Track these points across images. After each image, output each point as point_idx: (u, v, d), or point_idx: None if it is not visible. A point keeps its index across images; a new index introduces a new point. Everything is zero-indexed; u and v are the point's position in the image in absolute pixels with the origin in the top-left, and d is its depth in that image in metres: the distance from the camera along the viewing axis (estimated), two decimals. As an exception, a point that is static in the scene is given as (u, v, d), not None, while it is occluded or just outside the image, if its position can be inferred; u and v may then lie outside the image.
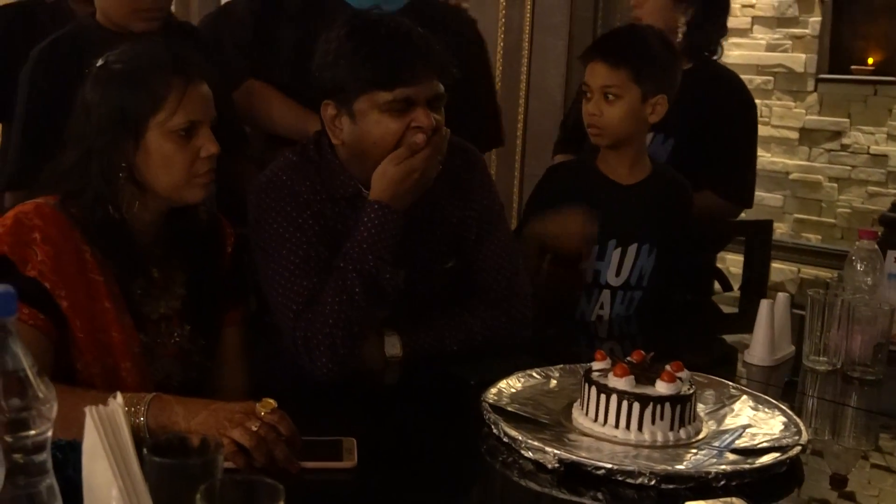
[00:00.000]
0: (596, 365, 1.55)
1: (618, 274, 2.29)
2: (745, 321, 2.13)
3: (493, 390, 1.60)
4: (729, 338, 2.34)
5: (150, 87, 1.52)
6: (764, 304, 1.96)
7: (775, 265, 3.27)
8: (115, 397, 1.12)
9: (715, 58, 2.71)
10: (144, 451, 1.03)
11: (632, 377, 1.48)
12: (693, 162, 2.57)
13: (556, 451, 1.37)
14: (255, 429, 1.33)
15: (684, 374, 1.51)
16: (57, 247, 1.49)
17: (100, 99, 1.53)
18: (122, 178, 1.54)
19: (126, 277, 1.56)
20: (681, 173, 2.41)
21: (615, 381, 1.48)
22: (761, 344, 1.95)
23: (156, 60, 1.55)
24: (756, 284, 2.80)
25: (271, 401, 1.38)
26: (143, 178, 1.56)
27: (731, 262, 4.06)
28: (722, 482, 1.34)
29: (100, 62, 1.57)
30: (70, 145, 1.56)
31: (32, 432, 0.89)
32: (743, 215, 4.56)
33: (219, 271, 1.71)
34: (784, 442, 1.46)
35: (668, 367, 1.50)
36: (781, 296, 2.04)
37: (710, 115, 2.63)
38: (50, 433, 0.91)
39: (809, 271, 4.63)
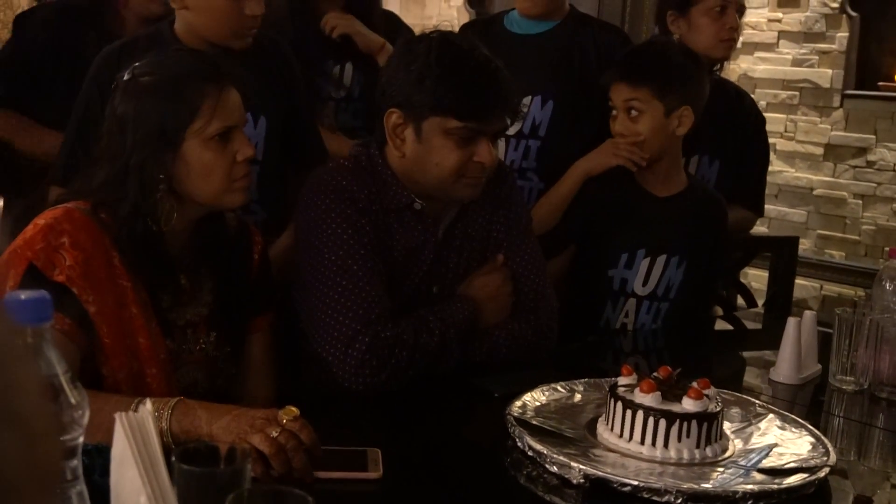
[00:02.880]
0: (622, 380, 1.54)
1: (645, 283, 2.30)
2: (769, 338, 2.12)
3: (518, 403, 1.60)
4: (753, 354, 2.32)
5: (184, 96, 1.52)
6: (791, 322, 1.95)
7: (798, 281, 3.24)
8: (143, 403, 1.12)
9: (715, 69, 2.73)
10: (173, 458, 1.03)
11: (658, 393, 1.47)
12: (727, 179, 2.66)
13: (581, 467, 1.36)
14: (275, 435, 1.33)
15: (711, 391, 1.50)
16: (86, 252, 1.49)
17: (134, 113, 1.53)
18: (161, 191, 1.54)
19: (155, 285, 1.57)
20: (719, 191, 2.47)
21: (641, 397, 1.47)
22: (788, 362, 1.93)
23: (187, 69, 1.55)
24: (780, 301, 2.79)
25: (293, 408, 1.38)
26: (183, 189, 1.56)
27: (753, 278, 4.04)
28: (749, 502, 1.33)
29: (126, 75, 1.56)
30: (103, 161, 1.56)
31: (64, 438, 0.89)
32: (765, 230, 4.54)
33: (246, 278, 1.71)
34: (812, 463, 1.45)
35: (694, 384, 1.49)
36: (808, 314, 2.02)
37: (736, 133, 2.68)
38: (81, 439, 0.91)
39: (832, 288, 4.60)
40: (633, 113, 2.24)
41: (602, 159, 2.32)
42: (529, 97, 2.47)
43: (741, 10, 2.64)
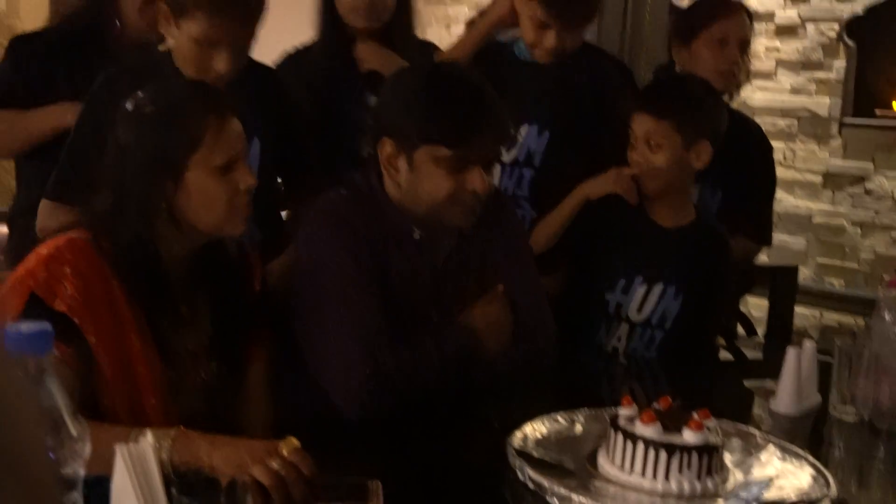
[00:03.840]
0: (622, 411, 1.53)
1: (640, 310, 2.30)
2: (769, 367, 2.11)
3: (519, 434, 1.59)
4: (753, 384, 2.32)
5: (186, 126, 1.53)
6: (791, 353, 1.95)
7: (797, 309, 3.24)
8: (144, 434, 1.12)
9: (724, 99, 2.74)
10: (173, 490, 1.03)
11: (659, 425, 1.47)
12: (730, 209, 2.66)
13: (582, 499, 1.36)
14: (275, 467, 1.32)
15: (711, 422, 1.50)
16: (87, 281, 1.49)
17: (136, 142, 1.54)
18: (162, 219, 1.55)
19: (155, 313, 1.57)
20: (721, 221, 2.48)
21: (642, 429, 1.47)
22: (788, 393, 1.93)
23: (188, 100, 1.57)
24: (780, 330, 2.78)
25: (294, 440, 1.37)
26: (183, 217, 1.56)
27: (753, 305, 4.03)
28: (750, 535, 1.32)
29: (129, 105, 1.57)
30: (104, 189, 1.57)
31: (65, 471, 0.89)
32: (765, 259, 4.54)
33: (246, 306, 1.71)
34: (813, 496, 1.44)
35: (695, 415, 1.49)
36: (808, 344, 2.02)
37: (741, 162, 2.68)
38: (82, 472, 0.91)
39: (832, 316, 4.59)
40: (653, 145, 2.25)
41: (603, 185, 2.35)
42: (525, 126, 2.48)
43: (743, 45, 2.64)
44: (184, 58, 2.01)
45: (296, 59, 2.54)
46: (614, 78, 2.54)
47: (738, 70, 2.64)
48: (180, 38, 1.99)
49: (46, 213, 2.08)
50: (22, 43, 2.45)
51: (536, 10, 2.33)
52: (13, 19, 4.23)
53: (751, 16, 2.73)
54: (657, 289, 2.30)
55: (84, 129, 2.08)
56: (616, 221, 2.34)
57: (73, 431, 0.89)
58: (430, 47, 2.69)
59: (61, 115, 2.27)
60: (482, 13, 2.62)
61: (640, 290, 2.30)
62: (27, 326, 0.88)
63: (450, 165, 1.75)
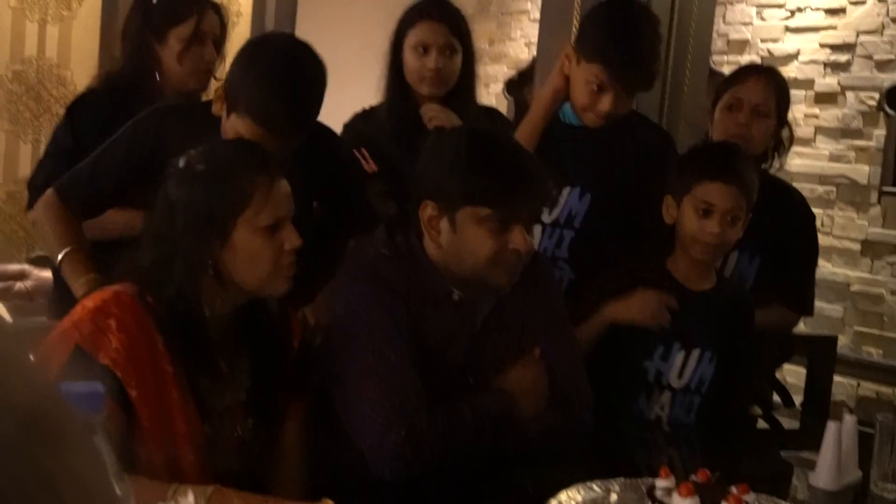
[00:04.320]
0: (660, 482, 1.52)
1: (680, 376, 2.28)
2: (806, 437, 2.08)
3: (554, 502, 1.58)
4: (791, 455, 2.29)
5: (236, 186, 1.56)
6: (831, 427, 1.92)
7: (834, 378, 3.20)
8: (185, 495, 1.13)
9: (764, 166, 2.72)
10: (212, 552, 1.03)
11: (696, 498, 1.45)
12: (768, 276, 2.64)
13: (618, 572, 1.35)
14: None
15: (751, 497, 1.48)
16: (131, 336, 1.52)
17: (186, 199, 1.57)
18: (207, 277, 1.57)
19: (195, 369, 1.58)
20: (759, 288, 2.47)
21: (679, 502, 1.45)
22: (828, 468, 1.90)
23: (239, 160, 1.60)
24: (818, 401, 2.74)
25: (330, 502, 1.37)
26: (228, 275, 1.59)
27: (788, 372, 3.98)
28: None
29: (181, 162, 1.61)
30: (150, 243, 1.60)
31: (109, 531, 0.89)
32: (802, 327, 4.49)
33: (285, 364, 1.73)
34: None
35: (733, 489, 1.48)
36: (848, 419, 1.99)
37: (781, 230, 2.67)
38: (125, 533, 0.91)
39: (869, 386, 4.52)
40: (733, 218, 2.22)
41: (634, 315, 2.28)
42: (568, 188, 2.50)
43: (759, 110, 2.59)
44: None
45: (363, 118, 2.66)
46: (657, 144, 2.56)
47: (748, 133, 2.60)
48: (227, 125, 2.02)
49: (47, 205, 2.15)
50: (78, 109, 2.52)
51: (598, 72, 2.36)
52: (64, 70, 4.33)
53: (779, 82, 2.70)
54: (695, 353, 2.28)
55: (118, 148, 2.15)
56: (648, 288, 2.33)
57: (119, 492, 0.90)
58: (494, 113, 2.74)
59: (132, 222, 2.28)
60: (521, 73, 2.67)
61: (679, 356, 2.28)
62: (80, 386, 0.89)
63: (492, 225, 1.77)
